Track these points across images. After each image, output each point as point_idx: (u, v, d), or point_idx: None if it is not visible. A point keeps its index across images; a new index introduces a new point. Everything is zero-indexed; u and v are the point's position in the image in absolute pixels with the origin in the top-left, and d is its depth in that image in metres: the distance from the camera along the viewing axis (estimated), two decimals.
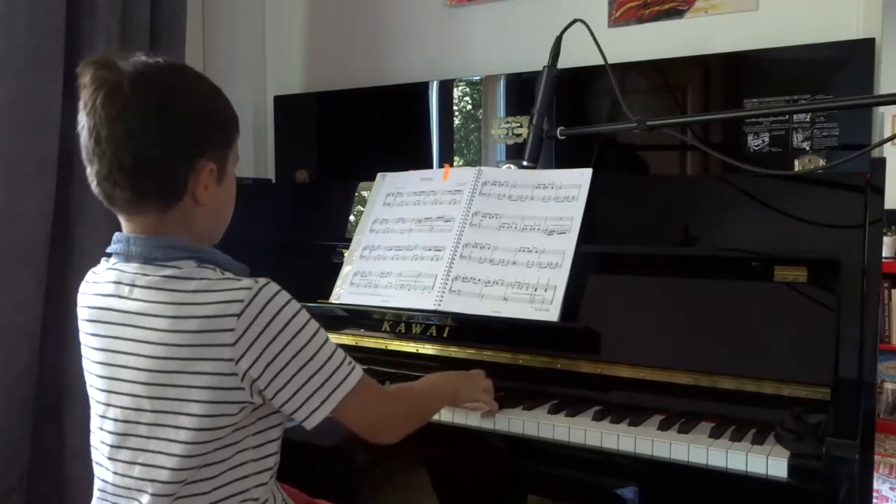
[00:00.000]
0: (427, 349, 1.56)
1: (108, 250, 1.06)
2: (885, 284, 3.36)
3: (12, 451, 1.73)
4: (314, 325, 1.00)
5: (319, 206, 1.99)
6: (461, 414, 1.34)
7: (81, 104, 0.98)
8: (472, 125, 1.97)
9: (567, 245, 1.48)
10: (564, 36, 1.65)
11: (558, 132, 1.64)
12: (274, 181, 2.29)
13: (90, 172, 1.00)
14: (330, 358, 0.99)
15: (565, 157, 1.77)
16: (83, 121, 0.98)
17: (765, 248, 1.35)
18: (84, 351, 1.08)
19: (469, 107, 1.98)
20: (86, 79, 0.97)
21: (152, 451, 0.99)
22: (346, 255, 1.72)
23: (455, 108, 1.99)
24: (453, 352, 1.52)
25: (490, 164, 1.90)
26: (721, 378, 1.28)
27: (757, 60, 1.63)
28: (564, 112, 1.77)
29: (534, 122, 1.66)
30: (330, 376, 0.99)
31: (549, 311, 1.43)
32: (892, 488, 2.85)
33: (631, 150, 1.79)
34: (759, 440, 1.16)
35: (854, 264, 1.26)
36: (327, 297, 1.67)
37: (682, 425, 1.22)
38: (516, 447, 1.31)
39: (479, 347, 1.50)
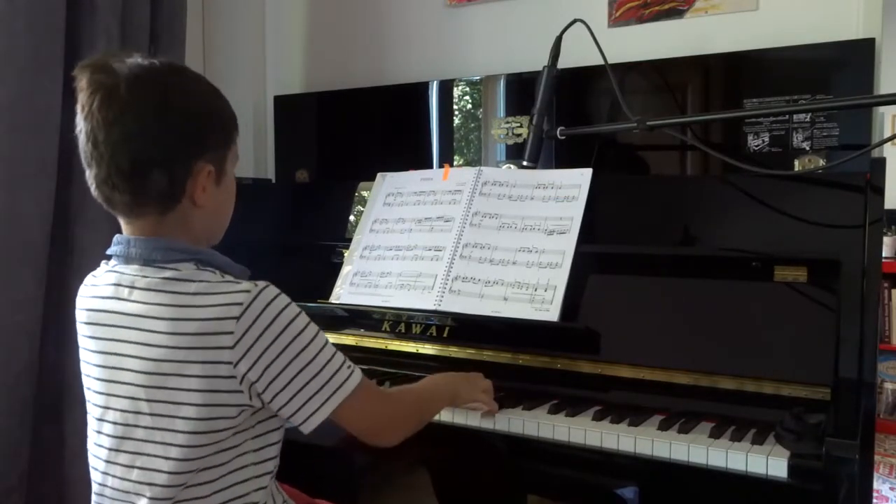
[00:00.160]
0: (427, 349, 1.56)
1: (108, 252, 1.05)
2: (885, 284, 3.36)
3: (12, 451, 1.73)
4: (313, 328, 0.99)
5: (319, 206, 1.99)
6: (461, 414, 1.34)
7: (79, 107, 0.98)
8: (472, 125, 1.97)
9: (567, 245, 1.48)
10: (564, 36, 1.65)
11: (558, 132, 1.64)
12: (274, 181, 2.29)
13: (89, 176, 1.00)
14: (329, 361, 0.99)
15: (565, 157, 1.77)
16: (80, 124, 0.98)
17: (765, 248, 1.35)
18: (82, 354, 1.07)
19: (469, 107, 1.98)
20: (82, 82, 0.97)
21: (150, 455, 0.99)
22: (346, 255, 1.72)
23: (455, 108, 1.99)
24: (453, 352, 1.52)
25: (490, 164, 1.90)
26: (721, 378, 1.28)
27: (757, 60, 1.63)
28: (564, 112, 1.77)
29: (534, 122, 1.66)
30: (329, 380, 0.99)
31: (549, 311, 1.43)
32: (892, 488, 2.85)
33: (631, 150, 1.79)
34: (759, 440, 1.16)
35: (854, 264, 1.26)
36: (327, 297, 1.67)
37: (682, 425, 1.22)
38: (516, 447, 1.31)
39: (479, 347, 1.50)
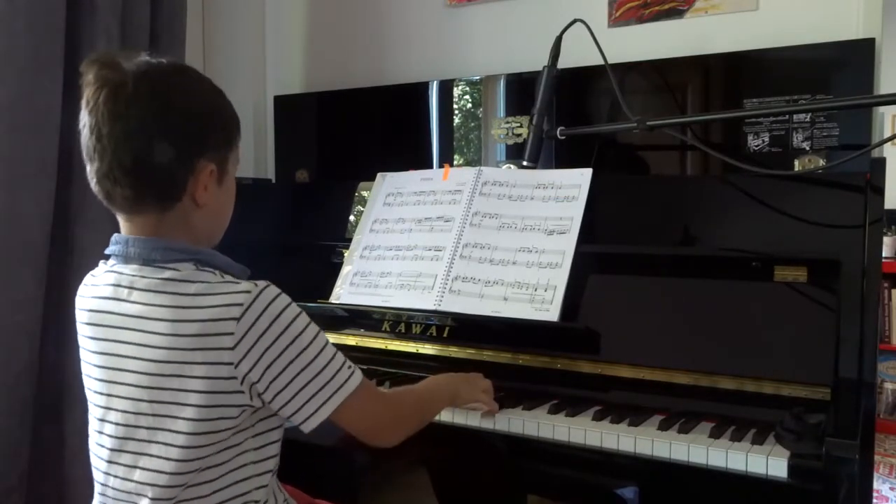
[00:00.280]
0: (427, 349, 1.56)
1: (107, 251, 1.05)
2: (885, 284, 3.36)
3: (12, 451, 1.73)
4: (314, 328, 0.99)
5: (319, 206, 1.99)
6: (461, 414, 1.34)
7: (84, 102, 0.98)
8: (472, 125, 1.97)
9: (567, 245, 1.48)
10: (564, 36, 1.65)
11: (558, 132, 1.64)
12: (274, 181, 2.29)
13: (90, 170, 1.00)
14: (329, 362, 0.99)
15: (565, 157, 1.77)
16: (85, 118, 0.98)
17: (765, 248, 1.35)
18: (83, 354, 1.07)
19: (469, 107, 1.98)
20: (89, 77, 0.97)
21: (152, 455, 0.99)
22: (346, 255, 1.72)
23: (455, 108, 1.99)
24: (453, 352, 1.52)
25: (490, 164, 1.90)
26: (721, 378, 1.28)
27: (757, 60, 1.63)
28: (564, 112, 1.77)
29: (534, 122, 1.66)
30: (329, 380, 0.99)
31: (549, 311, 1.43)
32: (892, 488, 2.85)
33: (631, 150, 1.79)
34: (759, 440, 1.16)
35: (854, 264, 1.26)
36: (327, 297, 1.67)
37: (682, 425, 1.22)
38: (516, 447, 1.31)
39: (479, 347, 1.50)
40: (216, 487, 0.99)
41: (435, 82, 2.02)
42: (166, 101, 0.98)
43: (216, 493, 0.99)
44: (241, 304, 0.94)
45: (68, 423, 1.84)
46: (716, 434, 1.19)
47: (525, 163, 1.67)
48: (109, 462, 1.03)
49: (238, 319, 0.94)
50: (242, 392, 0.96)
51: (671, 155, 1.78)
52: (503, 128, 1.89)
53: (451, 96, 1.99)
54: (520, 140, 1.85)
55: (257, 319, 0.94)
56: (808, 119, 1.57)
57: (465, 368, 1.39)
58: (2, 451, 1.71)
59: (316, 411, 0.99)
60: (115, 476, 1.03)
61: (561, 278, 1.45)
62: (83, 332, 1.06)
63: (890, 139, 1.41)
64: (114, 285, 1.02)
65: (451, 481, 1.84)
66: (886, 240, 3.33)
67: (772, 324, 1.30)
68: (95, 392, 1.05)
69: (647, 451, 1.19)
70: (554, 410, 1.33)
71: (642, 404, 1.32)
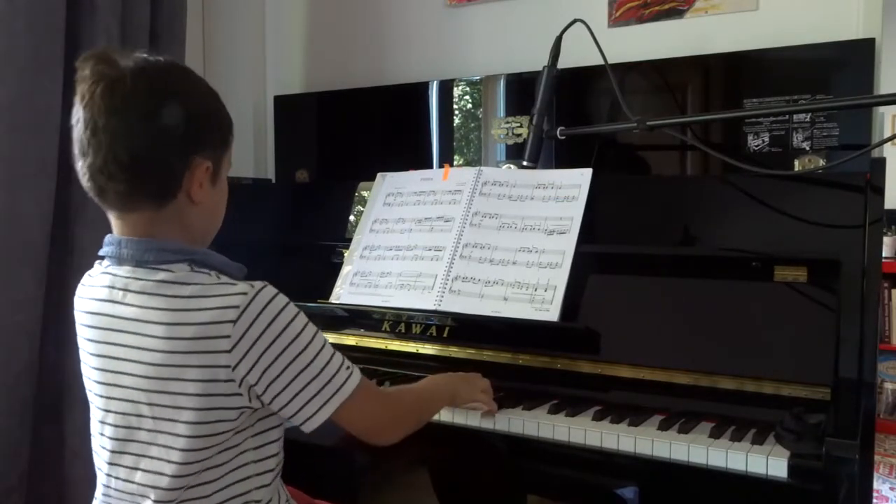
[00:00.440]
0: (427, 349, 1.56)
1: (100, 252, 1.04)
2: (885, 284, 3.36)
3: (12, 451, 1.73)
4: (312, 329, 0.99)
5: (319, 206, 1.99)
6: (461, 414, 1.34)
7: (78, 97, 0.97)
8: (472, 125, 1.97)
9: (567, 245, 1.48)
10: (564, 36, 1.65)
11: (558, 132, 1.64)
12: (274, 181, 2.29)
13: (82, 166, 0.98)
14: (328, 363, 0.99)
15: (565, 157, 1.77)
16: (79, 113, 0.97)
17: (765, 248, 1.35)
18: (82, 355, 1.07)
19: (469, 107, 1.98)
20: (85, 72, 0.96)
21: (153, 458, 0.99)
22: (346, 255, 1.72)
23: (455, 108, 1.99)
24: (453, 352, 1.52)
25: (490, 164, 1.90)
26: (721, 378, 1.28)
27: (757, 60, 1.63)
28: (564, 112, 1.77)
29: (534, 122, 1.66)
30: (327, 382, 0.98)
31: (549, 311, 1.43)
32: (892, 488, 2.85)
33: (631, 150, 1.79)
34: (759, 440, 1.16)
35: (854, 264, 1.26)
36: (327, 297, 1.67)
37: (682, 425, 1.22)
38: (516, 447, 1.31)
39: (479, 347, 1.50)
40: (217, 488, 0.99)
41: (435, 82, 2.02)
42: (165, 97, 0.97)
43: (217, 493, 0.99)
44: (237, 307, 0.93)
45: (68, 423, 1.84)
46: (716, 434, 1.19)
47: (525, 163, 1.67)
48: (111, 464, 1.03)
49: (234, 322, 0.93)
50: (241, 394, 0.96)
51: (671, 155, 1.78)
52: (503, 128, 1.89)
53: (451, 96, 1.99)
54: (520, 140, 1.85)
55: (254, 322, 0.94)
56: (808, 119, 1.57)
57: (465, 368, 1.39)
58: (2, 451, 1.71)
59: (316, 413, 0.98)
60: (117, 477, 1.03)
61: (561, 278, 1.45)
62: (82, 333, 1.06)
63: (890, 139, 1.41)
64: (109, 287, 1.01)
65: (451, 481, 1.84)
66: (886, 240, 3.33)
67: (772, 324, 1.30)
68: (95, 394, 1.05)
69: (647, 451, 1.19)
70: (554, 410, 1.33)
71: (642, 404, 1.32)
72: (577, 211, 1.51)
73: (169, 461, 0.97)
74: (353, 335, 1.66)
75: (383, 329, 1.61)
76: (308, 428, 0.99)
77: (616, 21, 1.87)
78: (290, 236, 1.97)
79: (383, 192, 1.76)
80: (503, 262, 1.52)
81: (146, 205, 0.99)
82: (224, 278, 0.99)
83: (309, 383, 0.97)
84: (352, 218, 1.84)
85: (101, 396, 1.03)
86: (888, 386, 3.41)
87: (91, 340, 1.04)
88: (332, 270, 1.72)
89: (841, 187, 1.37)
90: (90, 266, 1.09)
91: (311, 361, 0.97)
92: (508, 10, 2.02)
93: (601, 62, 1.61)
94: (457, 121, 1.99)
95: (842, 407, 1.15)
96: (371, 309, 1.61)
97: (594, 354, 1.39)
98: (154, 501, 0.99)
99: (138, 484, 1.00)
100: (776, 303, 1.31)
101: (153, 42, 2.00)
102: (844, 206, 1.34)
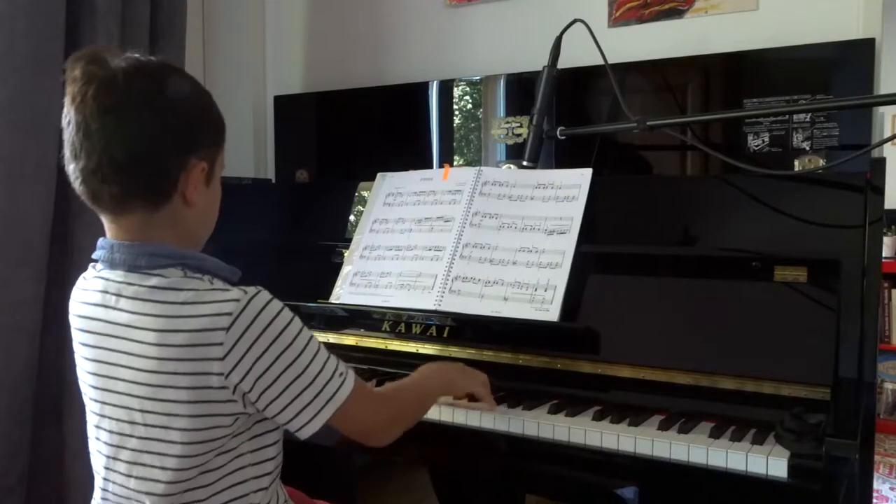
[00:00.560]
0: (427, 349, 1.56)
1: (94, 256, 1.03)
2: (885, 284, 3.36)
3: (12, 451, 1.73)
4: (306, 334, 0.97)
5: (319, 207, 1.99)
6: (461, 414, 1.34)
7: (69, 99, 0.95)
8: (472, 125, 1.97)
9: (567, 245, 1.48)
10: (564, 36, 1.65)
11: (558, 132, 1.64)
12: (274, 181, 2.29)
13: (73, 169, 0.96)
14: (321, 370, 0.98)
15: (565, 157, 1.77)
16: (70, 115, 0.95)
17: (765, 248, 1.35)
18: (77, 359, 1.06)
19: (469, 107, 1.98)
20: (75, 72, 0.94)
21: (146, 465, 0.98)
22: (346, 255, 1.72)
23: (455, 108, 1.99)
24: (453, 352, 1.52)
25: (490, 164, 1.90)
26: (721, 378, 1.28)
27: (757, 60, 1.63)
28: (564, 112, 1.77)
29: (534, 122, 1.66)
30: (321, 390, 0.97)
31: (549, 311, 1.42)
32: (892, 488, 2.85)
33: (631, 150, 1.79)
34: (759, 440, 1.16)
35: (854, 264, 1.26)
36: (327, 298, 1.67)
37: (682, 425, 1.22)
38: (516, 447, 1.31)
39: (479, 347, 1.50)
40: (214, 491, 0.98)
41: (435, 82, 2.02)
42: (160, 97, 0.96)
43: (214, 497, 0.98)
44: (230, 314, 0.92)
45: (68, 423, 1.84)
46: (716, 434, 1.19)
47: (525, 163, 1.67)
48: (107, 468, 1.03)
49: (227, 329, 0.92)
50: (235, 401, 0.95)
51: (671, 155, 1.78)
52: (503, 128, 1.89)
53: (451, 96, 1.99)
54: (520, 140, 1.84)
55: (247, 329, 0.92)
56: (808, 119, 1.57)
57: None
58: (2, 451, 1.71)
59: (310, 421, 0.97)
60: (113, 482, 1.03)
61: (561, 278, 1.45)
62: (77, 337, 1.05)
63: (890, 139, 1.41)
64: (102, 292, 1.00)
65: (451, 481, 1.84)
66: (886, 240, 3.33)
67: (772, 324, 1.30)
68: (91, 398, 1.04)
69: (647, 451, 1.19)
70: (554, 410, 1.32)
71: (642, 404, 1.32)
72: (577, 211, 1.51)
73: (163, 468, 0.97)
74: (353, 335, 1.66)
75: (383, 329, 1.61)
76: (303, 435, 0.99)
77: (616, 21, 1.87)
78: (290, 236, 1.97)
79: (383, 192, 1.76)
80: (503, 262, 1.52)
81: (140, 207, 0.98)
82: (217, 283, 0.97)
83: (303, 392, 0.96)
84: (352, 218, 1.84)
85: (97, 401, 1.03)
86: (888, 386, 3.42)
87: (86, 345, 1.03)
88: (332, 270, 1.72)
89: (841, 187, 1.37)
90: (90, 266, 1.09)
91: (305, 369, 0.96)
92: (508, 10, 2.02)
93: (601, 62, 1.61)
94: (457, 121, 1.99)
95: (842, 407, 1.15)
96: (371, 309, 1.61)
97: (594, 354, 1.39)
98: None
99: (134, 490, 1.00)
100: (776, 303, 1.31)
101: (153, 42, 2.00)
102: (844, 206, 1.34)
